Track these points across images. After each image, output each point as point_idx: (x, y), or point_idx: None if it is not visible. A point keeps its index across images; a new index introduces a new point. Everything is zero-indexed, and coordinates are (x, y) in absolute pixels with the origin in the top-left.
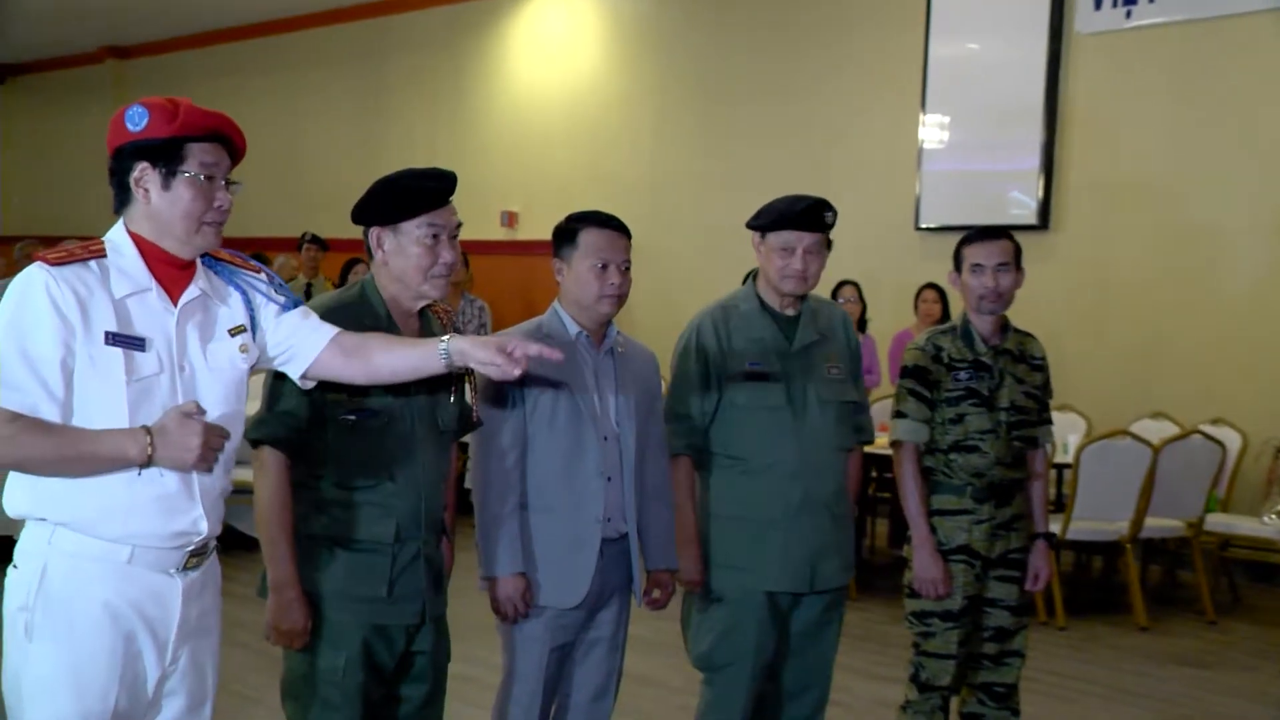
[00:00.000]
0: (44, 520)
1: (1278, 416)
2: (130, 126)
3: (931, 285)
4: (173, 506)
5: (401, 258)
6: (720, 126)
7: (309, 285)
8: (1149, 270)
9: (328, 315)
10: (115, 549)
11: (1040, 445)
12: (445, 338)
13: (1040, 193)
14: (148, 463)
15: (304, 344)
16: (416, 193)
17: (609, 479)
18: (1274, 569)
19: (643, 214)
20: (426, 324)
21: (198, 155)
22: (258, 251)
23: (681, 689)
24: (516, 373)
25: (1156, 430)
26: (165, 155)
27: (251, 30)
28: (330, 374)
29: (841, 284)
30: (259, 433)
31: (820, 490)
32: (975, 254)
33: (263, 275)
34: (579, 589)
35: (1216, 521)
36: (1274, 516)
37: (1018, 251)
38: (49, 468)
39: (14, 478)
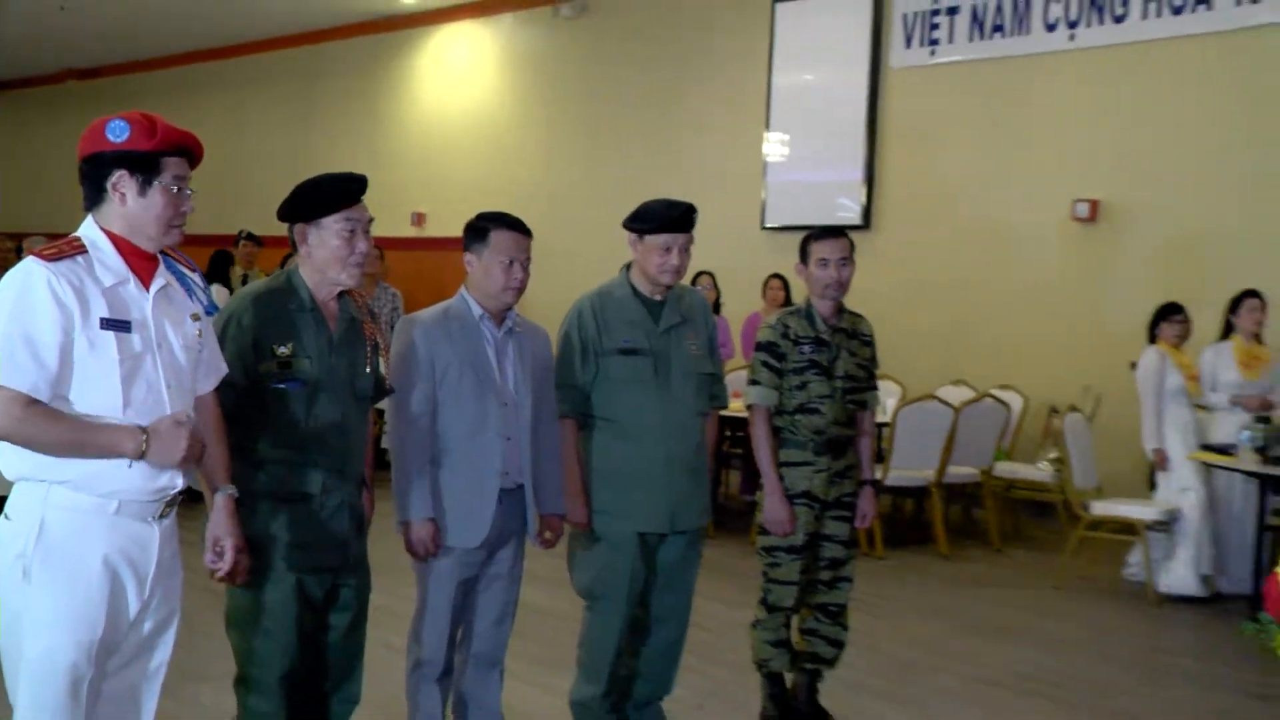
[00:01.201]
0: (42, 481)
1: (1051, 383)
2: (111, 137)
3: (776, 275)
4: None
5: (323, 249)
6: (601, 140)
7: (245, 276)
8: (952, 263)
9: (260, 298)
10: (106, 503)
11: (868, 408)
12: (228, 491)
13: (863, 199)
14: (140, 458)
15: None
16: (334, 193)
17: (508, 439)
18: (1047, 506)
19: (535, 214)
20: (345, 308)
21: (171, 168)
22: (222, 248)
23: (568, 615)
24: (217, 572)
25: (957, 395)
26: (144, 166)
27: (197, 56)
28: None
29: (700, 274)
30: None
31: (681, 448)
32: (822, 250)
33: (197, 275)
34: (481, 531)
35: (1003, 468)
36: (1047, 464)
37: (853, 247)
38: (52, 449)
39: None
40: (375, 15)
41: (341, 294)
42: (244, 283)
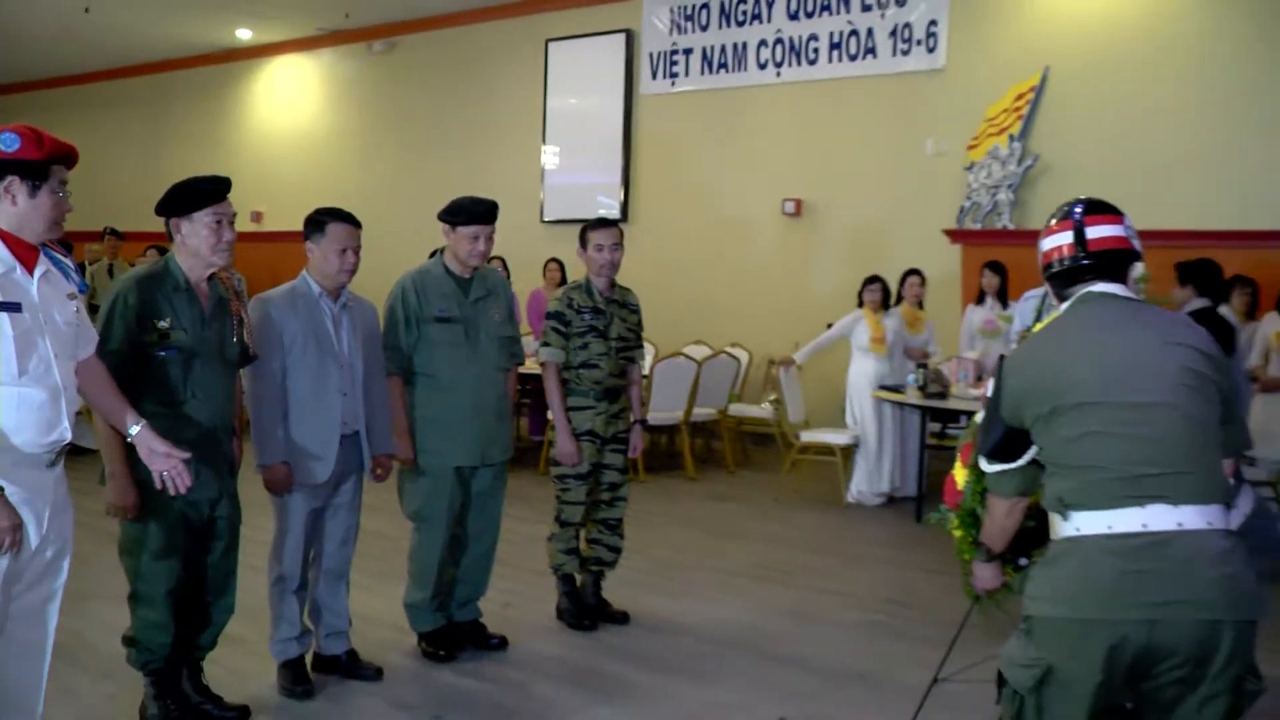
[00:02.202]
0: None
1: (769, 340)
2: (3, 147)
3: (554, 259)
4: (49, 422)
5: (195, 238)
6: (408, 151)
7: (111, 265)
8: (694, 247)
9: (142, 281)
10: (6, 455)
11: (636, 362)
12: (141, 423)
13: (622, 197)
14: None
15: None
16: (204, 191)
17: (345, 394)
18: (768, 436)
19: (355, 210)
20: (214, 289)
21: (57, 174)
22: (64, 239)
23: (399, 537)
24: (180, 486)
25: (699, 351)
26: (34, 172)
27: (62, 80)
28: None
29: (492, 259)
30: None
31: (488, 397)
32: (598, 237)
33: (69, 260)
34: (326, 470)
35: (735, 409)
36: (768, 404)
37: (622, 235)
38: None
39: None
40: (217, 48)
41: (211, 277)
42: (110, 271)
